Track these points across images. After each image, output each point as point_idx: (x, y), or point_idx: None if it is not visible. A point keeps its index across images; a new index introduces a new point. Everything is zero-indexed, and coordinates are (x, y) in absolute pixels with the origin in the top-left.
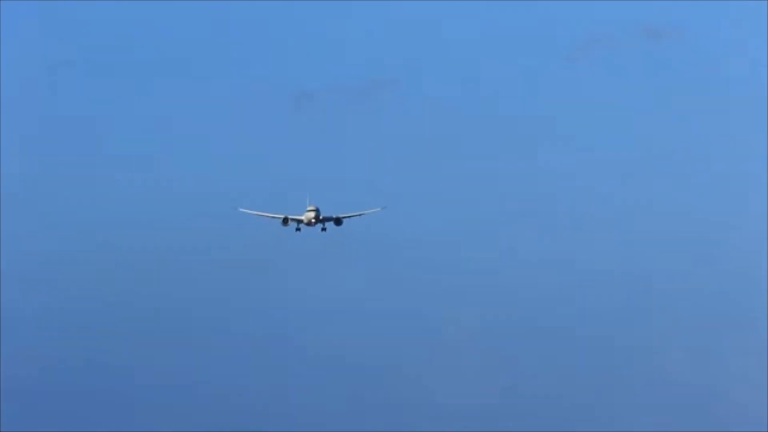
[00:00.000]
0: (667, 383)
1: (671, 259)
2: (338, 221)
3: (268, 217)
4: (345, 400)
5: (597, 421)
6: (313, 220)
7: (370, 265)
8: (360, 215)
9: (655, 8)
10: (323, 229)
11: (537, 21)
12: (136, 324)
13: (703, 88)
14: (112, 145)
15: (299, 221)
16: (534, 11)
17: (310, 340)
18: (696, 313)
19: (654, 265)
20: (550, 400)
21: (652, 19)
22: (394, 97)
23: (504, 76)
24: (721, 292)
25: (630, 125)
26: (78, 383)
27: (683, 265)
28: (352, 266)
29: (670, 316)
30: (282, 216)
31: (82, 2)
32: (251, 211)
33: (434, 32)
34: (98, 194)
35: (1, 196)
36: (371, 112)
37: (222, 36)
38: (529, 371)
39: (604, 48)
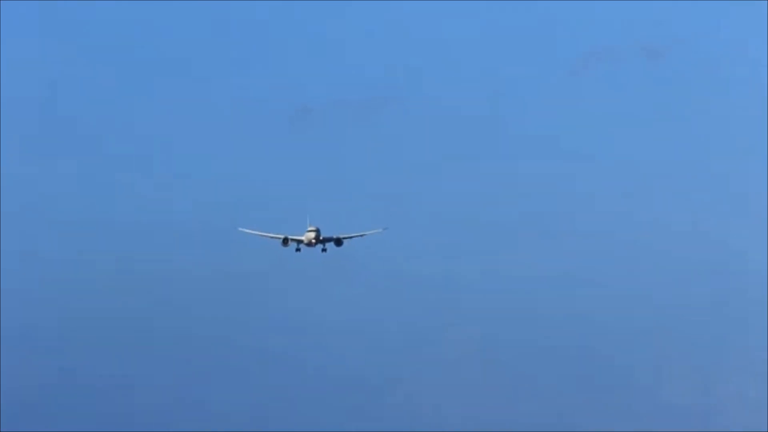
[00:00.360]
0: (669, 397)
1: (671, 271)
2: (339, 242)
3: (268, 237)
4: (343, 416)
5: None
6: (313, 241)
7: (370, 284)
8: (361, 236)
9: (653, 25)
10: (323, 250)
11: (538, 35)
12: (133, 333)
13: (701, 102)
14: (113, 157)
15: (299, 241)
16: (535, 26)
17: (309, 358)
18: (697, 321)
19: (653, 276)
20: (551, 416)
21: (650, 36)
22: (394, 113)
23: (505, 90)
24: (722, 303)
25: (631, 137)
26: (74, 387)
27: (682, 276)
28: (352, 286)
29: (671, 326)
30: (282, 236)
31: (82, 2)
32: (251, 231)
33: (435, 47)
34: (97, 201)
35: (1, 196)
36: (370, 128)
37: (220, 49)
38: (530, 387)
39: (605, 62)
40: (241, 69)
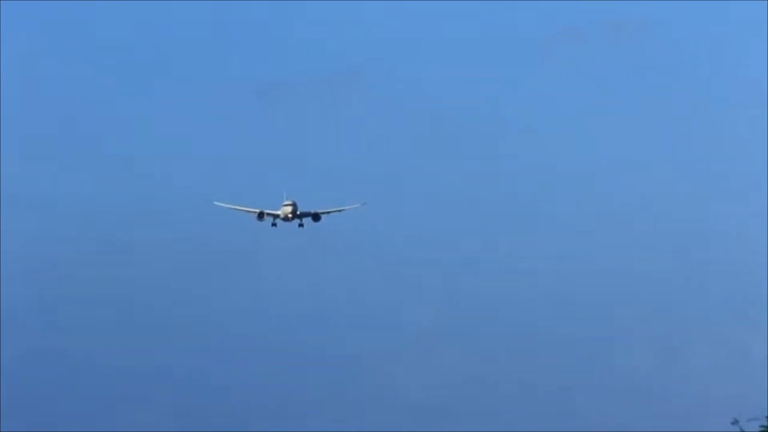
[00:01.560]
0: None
1: (641, 250)
2: (316, 217)
3: (243, 211)
4: (321, 395)
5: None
6: (290, 215)
7: (348, 259)
8: (340, 211)
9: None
10: (300, 225)
11: (505, 15)
12: (115, 317)
13: (672, 78)
14: (88, 140)
15: (276, 216)
16: (501, 6)
17: (287, 334)
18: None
19: (627, 255)
20: (540, 399)
21: (616, 13)
22: (363, 87)
23: (473, 69)
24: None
25: (605, 118)
26: (53, 375)
27: (656, 256)
28: (329, 261)
29: (662, 315)
30: (257, 210)
31: (82, 2)
32: (226, 205)
33: (402, 23)
34: (76, 188)
35: (1, 196)
36: (340, 101)
37: (188, 32)
38: (515, 369)
39: (572, 42)
40: (208, 44)
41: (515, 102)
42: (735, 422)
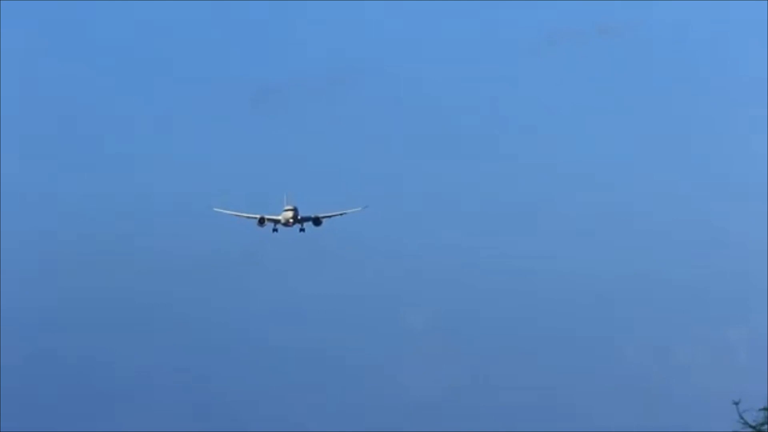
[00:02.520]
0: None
1: (640, 250)
2: (317, 221)
3: (243, 217)
4: (322, 396)
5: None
6: (291, 220)
7: (350, 263)
8: (341, 215)
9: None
10: (302, 230)
11: (502, 16)
12: (116, 320)
13: (669, 80)
14: (88, 140)
15: (276, 221)
16: (494, 8)
17: (289, 338)
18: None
19: (615, 257)
20: (541, 401)
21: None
22: (357, 91)
23: (470, 69)
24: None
25: (603, 118)
26: (57, 366)
27: (656, 255)
28: (331, 265)
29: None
30: (258, 216)
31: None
32: (226, 211)
33: (399, 25)
34: (76, 188)
35: (1, 196)
36: (334, 106)
37: (187, 33)
38: (516, 371)
39: (569, 44)
40: (206, 46)
41: (514, 102)
42: (736, 403)
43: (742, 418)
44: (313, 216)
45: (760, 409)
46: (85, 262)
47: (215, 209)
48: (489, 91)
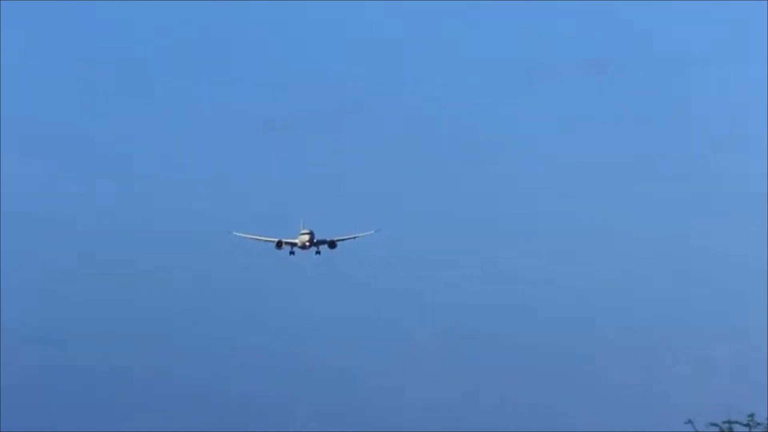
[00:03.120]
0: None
1: (611, 278)
2: (332, 244)
3: (262, 240)
4: (337, 416)
5: None
6: (307, 244)
7: (364, 285)
8: (354, 238)
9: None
10: (317, 253)
11: (494, 49)
12: (131, 335)
13: (653, 115)
14: (88, 140)
15: (293, 244)
16: (491, 40)
17: (306, 359)
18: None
19: (595, 280)
20: (533, 411)
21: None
22: (360, 123)
23: (466, 101)
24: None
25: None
26: (74, 389)
27: (624, 284)
28: (346, 287)
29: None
30: (276, 239)
31: (82, 2)
32: (245, 235)
33: (397, 60)
34: (96, 205)
35: (1, 196)
36: (343, 135)
37: (190, 60)
38: (520, 388)
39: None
40: (218, 76)
41: (501, 128)
42: (688, 422)
43: None
44: (328, 240)
45: (711, 423)
46: (86, 260)
47: (235, 233)
48: (489, 119)
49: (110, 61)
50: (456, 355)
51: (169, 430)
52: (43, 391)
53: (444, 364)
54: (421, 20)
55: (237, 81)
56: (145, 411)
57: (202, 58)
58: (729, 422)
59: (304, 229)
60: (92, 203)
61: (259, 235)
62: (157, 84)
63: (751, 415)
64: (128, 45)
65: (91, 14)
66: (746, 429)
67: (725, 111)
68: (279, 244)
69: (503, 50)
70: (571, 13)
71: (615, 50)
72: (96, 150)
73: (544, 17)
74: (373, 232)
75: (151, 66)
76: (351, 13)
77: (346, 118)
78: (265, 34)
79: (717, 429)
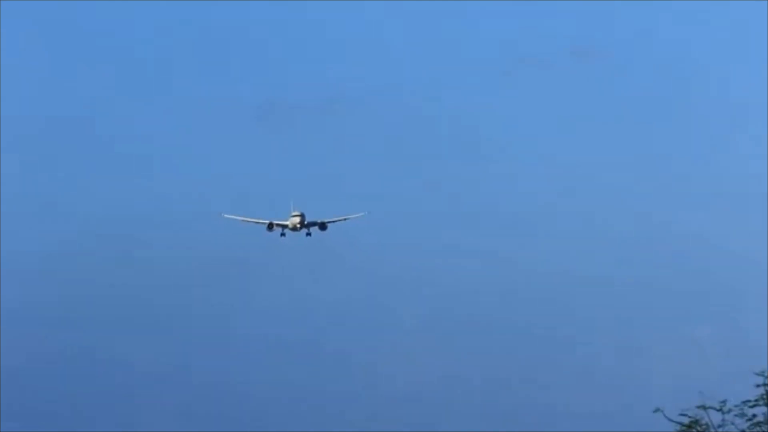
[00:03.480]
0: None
1: (601, 262)
2: (323, 226)
3: (252, 222)
4: (328, 399)
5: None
6: (298, 225)
7: (353, 266)
8: (344, 220)
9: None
10: (308, 234)
11: (494, 49)
12: (124, 321)
13: (648, 112)
14: (98, 148)
15: (284, 226)
16: (491, 40)
17: (298, 342)
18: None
19: (583, 266)
20: (537, 401)
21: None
22: (360, 123)
23: (466, 101)
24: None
25: (569, 135)
26: (69, 367)
27: (609, 270)
28: (336, 268)
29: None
30: (267, 221)
31: (82, 2)
32: (235, 217)
33: (397, 60)
34: (95, 198)
35: (1, 196)
36: (335, 126)
37: (190, 60)
38: (515, 373)
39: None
40: (218, 76)
41: (501, 127)
42: (657, 410)
43: (671, 420)
44: (319, 221)
45: (681, 414)
46: (86, 261)
47: (225, 215)
48: (476, 109)
49: (110, 61)
50: (449, 336)
51: (158, 410)
52: (39, 372)
53: (427, 346)
54: (421, 20)
55: (237, 81)
56: (132, 390)
57: (202, 58)
58: (704, 407)
59: (294, 211)
60: (92, 193)
61: (250, 217)
62: (157, 84)
63: (723, 402)
64: (128, 45)
65: (91, 14)
66: (719, 414)
67: (725, 111)
68: (270, 226)
69: (503, 50)
70: (572, 13)
71: (615, 50)
72: (96, 150)
73: (544, 17)
74: (362, 214)
75: (151, 66)
76: (351, 13)
77: (346, 118)
78: (265, 34)
79: (686, 418)
